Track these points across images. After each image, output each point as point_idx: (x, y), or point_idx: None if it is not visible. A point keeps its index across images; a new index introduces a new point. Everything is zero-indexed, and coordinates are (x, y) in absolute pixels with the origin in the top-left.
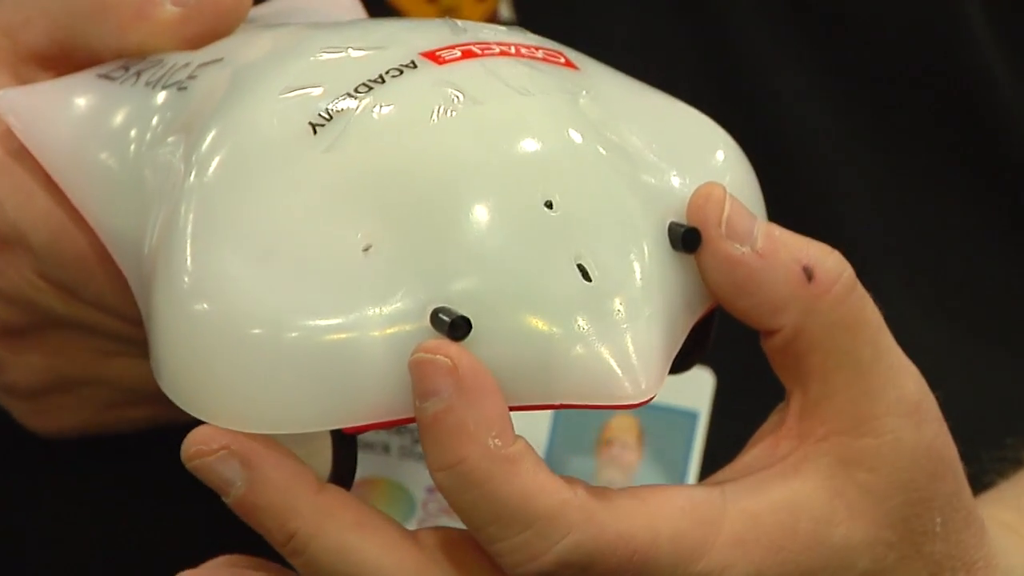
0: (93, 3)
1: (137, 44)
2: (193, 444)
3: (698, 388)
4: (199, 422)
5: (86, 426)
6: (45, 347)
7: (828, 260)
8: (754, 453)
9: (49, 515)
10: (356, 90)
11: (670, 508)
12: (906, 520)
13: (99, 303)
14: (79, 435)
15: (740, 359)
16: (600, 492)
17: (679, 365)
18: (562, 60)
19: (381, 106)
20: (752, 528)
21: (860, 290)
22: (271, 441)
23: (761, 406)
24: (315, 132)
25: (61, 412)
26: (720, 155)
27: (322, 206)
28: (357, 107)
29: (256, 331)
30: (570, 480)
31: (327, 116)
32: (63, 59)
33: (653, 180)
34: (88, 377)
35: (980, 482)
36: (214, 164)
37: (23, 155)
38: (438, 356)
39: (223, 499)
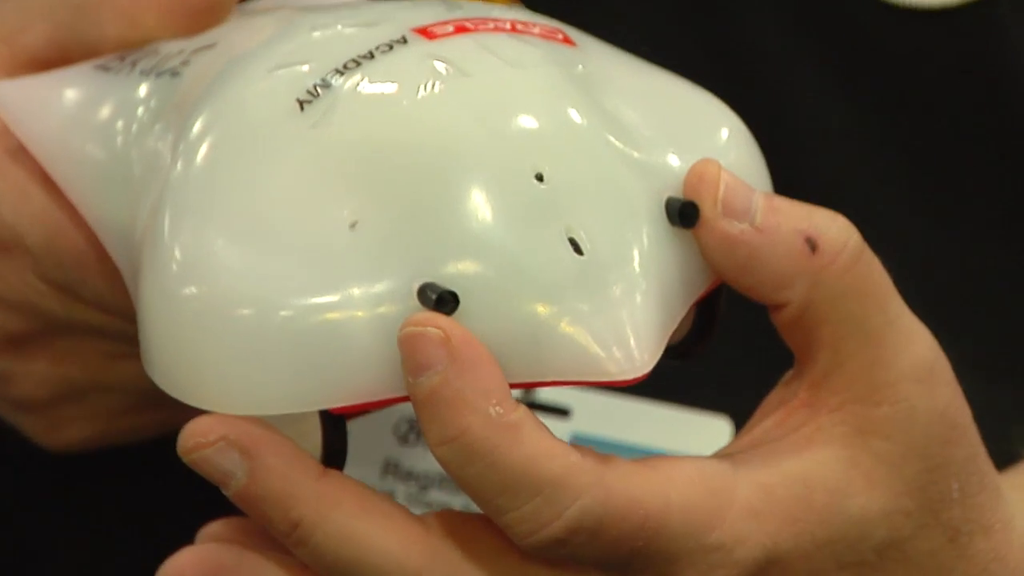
0: None
1: (135, 28)
2: (190, 437)
3: (715, 435)
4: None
5: (97, 437)
6: (52, 354)
7: (832, 228)
8: (764, 426)
9: (62, 531)
10: (345, 66)
11: (681, 476)
12: (923, 488)
13: (100, 302)
14: (90, 448)
15: (758, 405)
16: (608, 458)
17: (687, 352)
18: (560, 37)
19: (369, 81)
20: (766, 500)
21: (867, 255)
22: (269, 427)
23: None
24: (302, 108)
25: (72, 423)
26: (724, 134)
27: (308, 183)
28: (345, 83)
29: (243, 312)
30: (577, 446)
31: (314, 92)
32: (62, 61)
33: (650, 157)
34: (97, 383)
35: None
36: (200, 144)
37: (18, 154)
38: (428, 328)
39: (223, 492)
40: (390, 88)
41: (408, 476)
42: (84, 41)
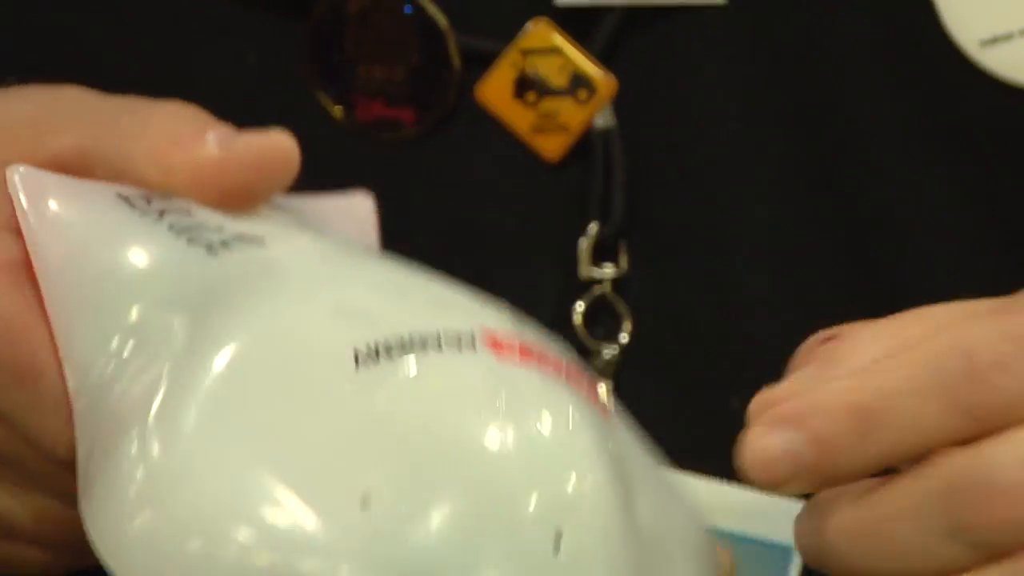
0: (133, 120)
1: (165, 175)
2: None
3: (789, 518)
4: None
5: None
6: None
7: None
8: None
9: None
10: (411, 339)
11: None
12: None
13: (33, 436)
14: None
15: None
16: None
17: None
18: (600, 407)
19: (434, 372)
20: None
21: None
22: None
23: None
24: (357, 367)
25: None
26: None
27: (338, 440)
28: (407, 360)
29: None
30: None
31: (374, 356)
32: (81, 172)
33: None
34: None
35: None
36: (221, 353)
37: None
38: None
39: None
40: (452, 390)
41: None
42: (110, 165)
